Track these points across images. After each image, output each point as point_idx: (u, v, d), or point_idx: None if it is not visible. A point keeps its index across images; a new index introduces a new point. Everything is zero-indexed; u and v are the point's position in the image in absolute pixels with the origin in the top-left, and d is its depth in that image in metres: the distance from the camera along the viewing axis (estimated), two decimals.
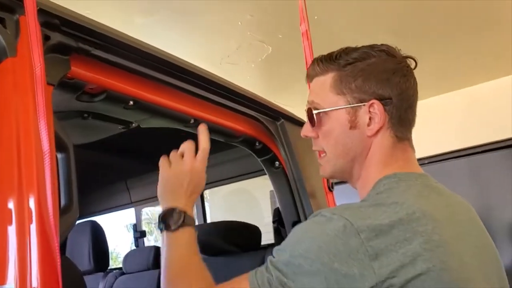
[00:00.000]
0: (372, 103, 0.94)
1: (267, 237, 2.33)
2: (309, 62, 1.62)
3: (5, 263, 0.79)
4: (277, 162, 1.83)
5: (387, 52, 0.97)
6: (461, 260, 0.84)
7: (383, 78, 0.95)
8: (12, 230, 0.81)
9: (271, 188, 1.86)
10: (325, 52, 1.01)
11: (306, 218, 1.73)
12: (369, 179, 0.96)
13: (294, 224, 1.80)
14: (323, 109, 0.98)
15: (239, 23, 2.98)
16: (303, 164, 1.77)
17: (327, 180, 1.70)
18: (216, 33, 3.09)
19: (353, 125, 0.96)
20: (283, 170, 1.81)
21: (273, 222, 1.88)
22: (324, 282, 0.79)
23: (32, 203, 0.82)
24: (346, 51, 0.98)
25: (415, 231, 0.80)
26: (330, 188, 1.73)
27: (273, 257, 0.87)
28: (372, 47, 0.97)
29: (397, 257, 0.78)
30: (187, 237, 1.02)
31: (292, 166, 1.75)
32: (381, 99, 0.94)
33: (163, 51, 1.29)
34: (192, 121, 1.47)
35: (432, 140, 3.73)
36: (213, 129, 1.60)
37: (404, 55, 0.99)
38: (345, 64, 0.96)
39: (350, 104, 0.95)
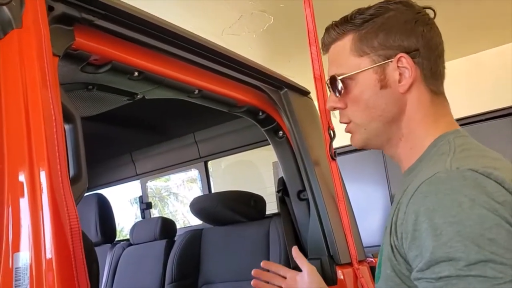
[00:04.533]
0: (400, 57, 0.89)
1: (270, 207, 2.36)
2: (311, 30, 1.60)
3: (19, 235, 0.80)
4: (280, 132, 1.83)
5: (404, 4, 0.92)
6: None
7: (406, 29, 0.90)
8: (24, 202, 0.82)
9: (274, 159, 1.85)
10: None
11: (310, 187, 1.72)
12: (418, 139, 0.91)
13: (299, 193, 1.81)
14: (347, 74, 0.92)
15: None
16: (306, 133, 1.77)
17: (330, 149, 1.70)
18: (217, 3, 3.05)
19: (383, 84, 0.90)
20: (287, 140, 1.82)
21: (278, 191, 1.87)
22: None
23: (43, 175, 0.83)
24: (360, 10, 0.93)
25: None
26: (333, 157, 1.73)
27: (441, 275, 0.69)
28: (387, 1, 0.93)
29: None
30: None
31: (296, 135, 1.75)
32: (408, 51, 0.89)
33: (166, 21, 1.28)
34: (196, 91, 1.47)
35: None
36: (216, 100, 1.60)
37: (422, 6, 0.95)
38: (362, 22, 0.91)
39: (376, 63, 0.90)
